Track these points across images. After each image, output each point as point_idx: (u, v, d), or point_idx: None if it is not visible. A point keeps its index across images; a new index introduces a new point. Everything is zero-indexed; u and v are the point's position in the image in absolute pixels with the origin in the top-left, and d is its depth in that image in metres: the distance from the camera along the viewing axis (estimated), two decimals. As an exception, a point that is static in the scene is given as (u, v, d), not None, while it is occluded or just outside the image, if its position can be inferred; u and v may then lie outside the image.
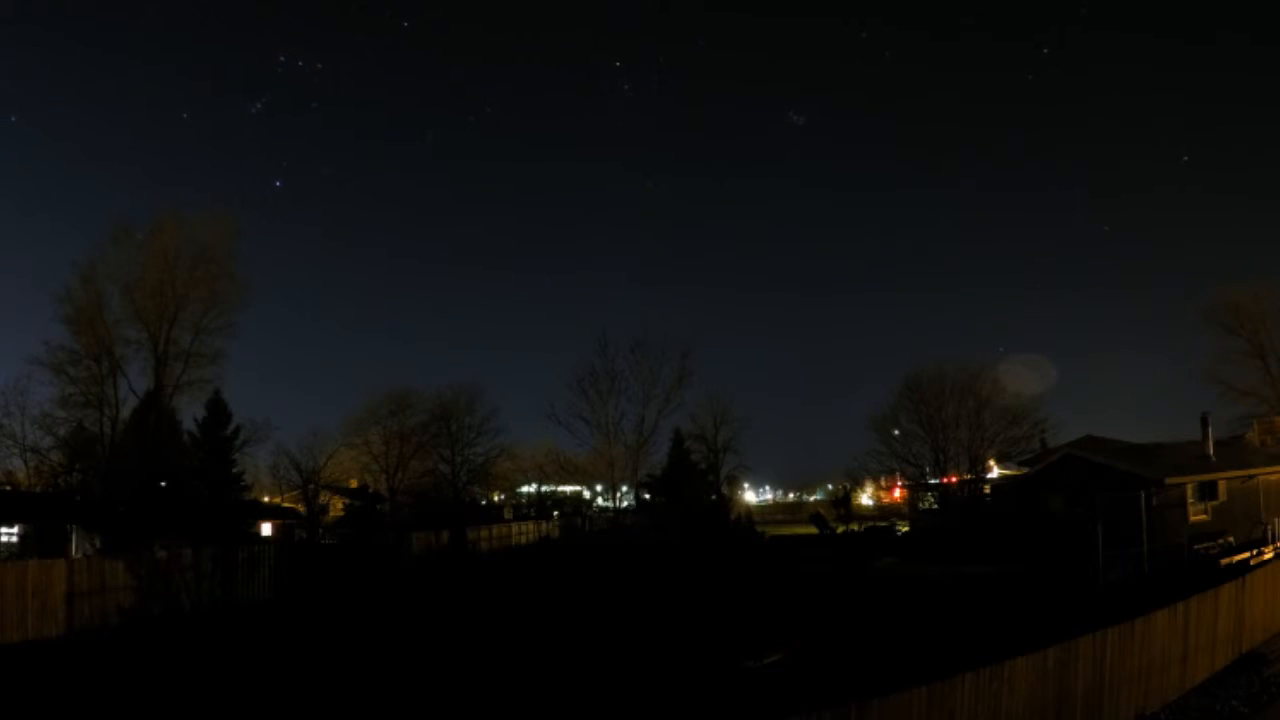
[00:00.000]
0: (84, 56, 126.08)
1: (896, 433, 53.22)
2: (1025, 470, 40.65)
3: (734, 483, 67.78)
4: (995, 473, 50.62)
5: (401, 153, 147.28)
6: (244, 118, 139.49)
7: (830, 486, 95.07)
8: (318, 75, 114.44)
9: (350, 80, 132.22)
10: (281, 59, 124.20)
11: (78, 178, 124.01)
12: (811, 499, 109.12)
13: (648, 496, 63.02)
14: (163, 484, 32.42)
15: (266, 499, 52.08)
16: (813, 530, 50.06)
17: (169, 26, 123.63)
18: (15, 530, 31.91)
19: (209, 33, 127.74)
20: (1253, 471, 31.86)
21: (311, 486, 44.88)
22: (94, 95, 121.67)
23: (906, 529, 51.11)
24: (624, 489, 62.79)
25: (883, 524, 53.48)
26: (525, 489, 75.30)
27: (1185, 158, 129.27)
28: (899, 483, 60.67)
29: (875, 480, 68.56)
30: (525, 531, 59.18)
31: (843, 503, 60.30)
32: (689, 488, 56.66)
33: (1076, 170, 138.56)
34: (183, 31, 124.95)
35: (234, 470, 36.45)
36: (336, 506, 52.41)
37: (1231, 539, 29.11)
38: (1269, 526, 29.02)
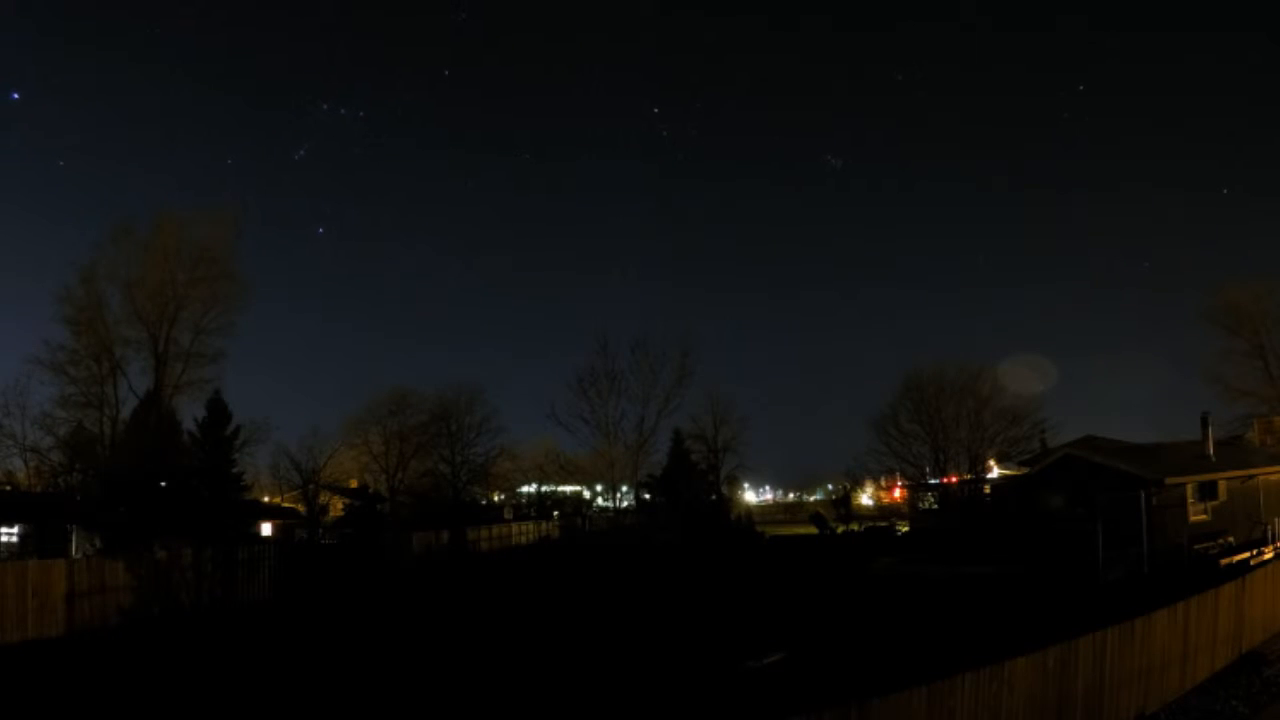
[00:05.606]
0: (108, 73, 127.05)
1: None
2: (1025, 470, 40.62)
3: (734, 483, 67.66)
4: (995, 473, 50.57)
5: (401, 149, 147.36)
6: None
7: (830, 486, 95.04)
8: (359, 122, 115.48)
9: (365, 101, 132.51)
10: (324, 107, 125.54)
11: (80, 178, 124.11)
12: (811, 499, 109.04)
13: (648, 496, 62.95)
14: (163, 484, 32.38)
15: (266, 499, 52.06)
16: (813, 530, 50.09)
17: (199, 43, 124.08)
18: (15, 530, 31.91)
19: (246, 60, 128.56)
20: (1253, 471, 31.85)
21: (311, 486, 44.88)
22: (124, 111, 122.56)
23: (906, 529, 51.07)
24: (624, 489, 62.75)
25: (883, 524, 53.45)
26: (525, 489, 75.25)
27: (1225, 190, 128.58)
28: (899, 483, 60.62)
29: (875, 480, 68.49)
30: (525, 531, 59.14)
31: (843, 503, 60.34)
32: (689, 488, 56.61)
33: (1077, 169, 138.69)
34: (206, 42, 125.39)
35: (234, 470, 36.33)
36: (336, 506, 52.39)
37: (1231, 539, 29.10)
38: (1269, 526, 29.01)
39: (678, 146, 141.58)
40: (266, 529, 45.28)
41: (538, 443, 66.44)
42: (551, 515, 69.16)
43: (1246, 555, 25.55)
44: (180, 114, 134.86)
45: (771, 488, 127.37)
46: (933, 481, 52.87)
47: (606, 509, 68.07)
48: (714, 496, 59.73)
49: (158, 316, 32.56)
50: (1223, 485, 31.11)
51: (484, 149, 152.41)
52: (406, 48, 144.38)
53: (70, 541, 31.13)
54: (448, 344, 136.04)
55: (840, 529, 49.13)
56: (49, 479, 34.80)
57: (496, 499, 70.15)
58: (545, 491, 76.44)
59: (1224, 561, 24.91)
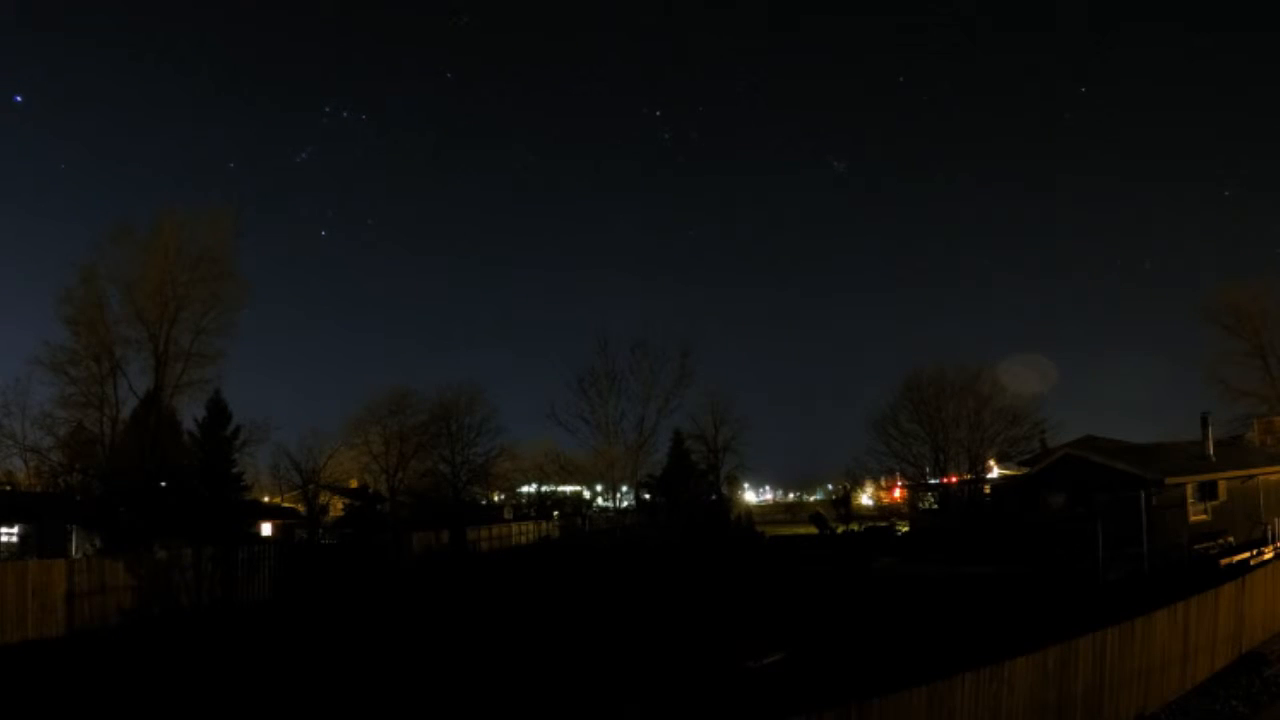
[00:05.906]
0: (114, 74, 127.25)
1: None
2: (1025, 470, 40.65)
3: (734, 483, 67.75)
4: (995, 473, 50.60)
5: (401, 150, 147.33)
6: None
7: (830, 486, 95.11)
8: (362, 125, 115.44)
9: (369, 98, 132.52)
10: (326, 109, 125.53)
11: (80, 178, 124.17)
12: (811, 499, 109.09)
13: (648, 496, 63.03)
14: (163, 484, 32.38)
15: (266, 499, 52.04)
16: (813, 530, 50.05)
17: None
18: (15, 530, 31.90)
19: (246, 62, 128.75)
20: (1253, 471, 31.86)
21: (311, 486, 44.85)
22: (133, 110, 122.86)
23: (906, 529, 51.10)
24: (624, 489, 62.84)
25: (883, 524, 53.46)
26: (525, 489, 75.27)
27: (1227, 192, 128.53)
28: (899, 483, 60.66)
29: (875, 480, 68.53)
30: (525, 531, 59.14)
31: (843, 503, 60.35)
32: (689, 488, 56.70)
33: (1077, 169, 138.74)
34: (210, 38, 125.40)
35: (234, 470, 36.36)
36: (336, 506, 52.38)
37: (1231, 539, 29.11)
38: (1269, 526, 29.01)
39: (678, 147, 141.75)
40: (266, 529, 45.28)
41: (538, 443, 66.46)
42: (551, 515, 69.14)
43: (1246, 555, 25.54)
44: (180, 114, 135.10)
45: (771, 488, 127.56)
46: (933, 481, 52.90)
47: (606, 509, 68.07)
48: (714, 496, 59.80)
49: (158, 316, 32.51)
50: (1223, 485, 31.12)
51: (484, 149, 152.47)
52: (407, 49, 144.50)
53: (70, 541, 31.12)
54: (448, 344, 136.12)
55: (840, 529, 49.11)
56: (49, 479, 34.79)
57: (496, 499, 70.15)
58: (545, 491, 76.44)
59: (1224, 561, 24.90)
